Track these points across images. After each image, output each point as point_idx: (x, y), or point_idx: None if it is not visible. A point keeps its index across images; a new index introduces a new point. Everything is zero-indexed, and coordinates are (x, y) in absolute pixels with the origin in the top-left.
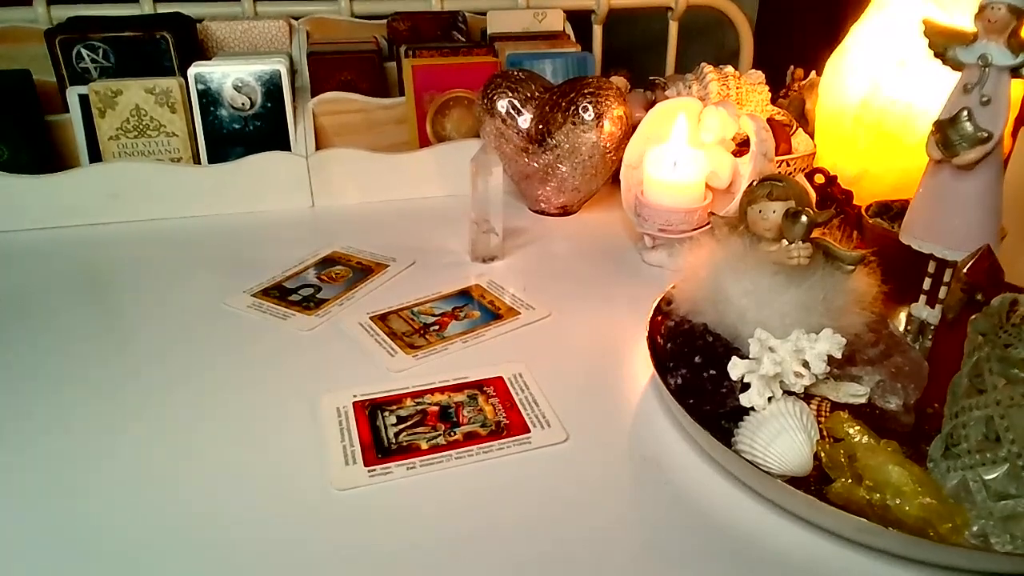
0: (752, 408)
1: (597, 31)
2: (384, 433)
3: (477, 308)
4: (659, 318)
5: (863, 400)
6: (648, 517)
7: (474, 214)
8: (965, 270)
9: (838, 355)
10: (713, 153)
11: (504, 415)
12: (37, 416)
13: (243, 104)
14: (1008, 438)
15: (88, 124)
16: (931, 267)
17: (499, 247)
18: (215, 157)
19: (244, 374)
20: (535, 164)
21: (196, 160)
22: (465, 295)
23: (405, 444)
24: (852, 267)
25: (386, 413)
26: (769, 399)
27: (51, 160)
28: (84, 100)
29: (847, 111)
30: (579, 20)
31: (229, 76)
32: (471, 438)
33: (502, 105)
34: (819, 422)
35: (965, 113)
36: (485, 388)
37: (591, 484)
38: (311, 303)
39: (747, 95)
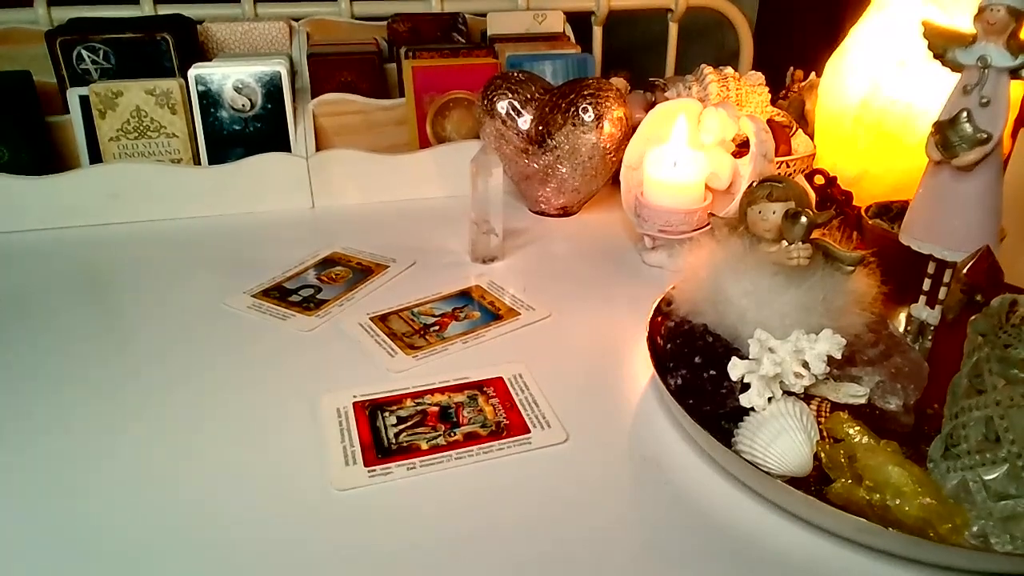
0: (752, 408)
1: (597, 32)
2: (384, 433)
3: (477, 309)
4: (659, 319)
5: (863, 401)
6: (648, 517)
7: (474, 215)
8: (965, 271)
9: (838, 355)
10: (713, 154)
11: (504, 415)
12: (37, 416)
13: (243, 105)
14: (1008, 438)
15: (88, 125)
16: (931, 268)
17: (499, 248)
18: (215, 158)
19: (244, 374)
20: (535, 165)
21: (196, 161)
22: (465, 296)
23: (405, 444)
24: (852, 268)
25: (386, 413)
26: (769, 399)
27: (51, 161)
28: (84, 101)
29: (847, 112)
30: (579, 21)
31: (229, 77)
32: (471, 438)
33: (502, 106)
34: (819, 422)
35: (965, 114)
36: (485, 388)
37: (591, 484)
38: (311, 304)
39: (747, 96)
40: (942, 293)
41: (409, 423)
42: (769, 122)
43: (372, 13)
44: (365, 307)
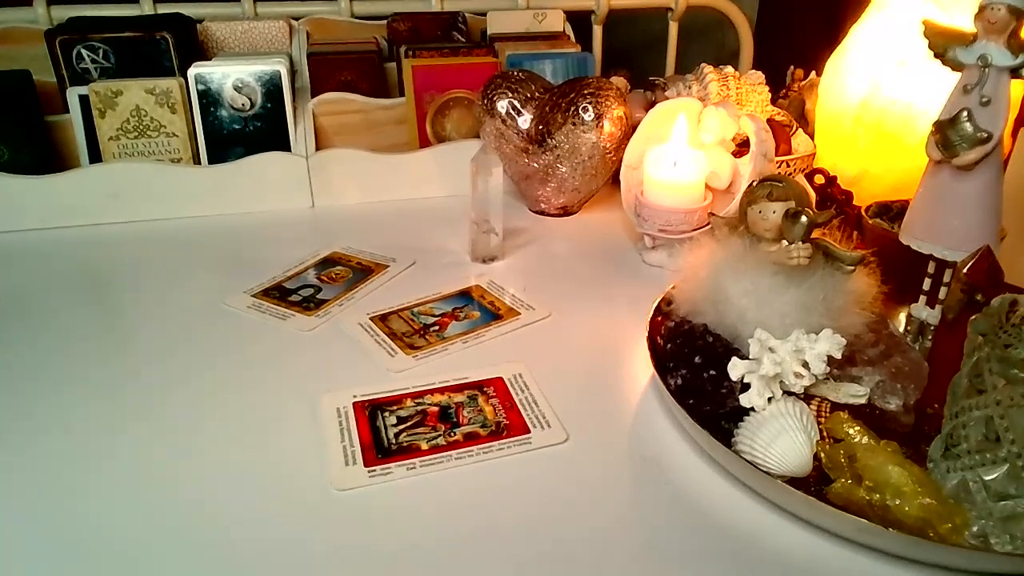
0: (752, 408)
1: (597, 31)
2: (384, 433)
3: (477, 308)
4: (659, 318)
5: (863, 400)
6: (648, 517)
7: (474, 214)
8: (965, 270)
9: (838, 355)
10: (713, 153)
11: (504, 415)
12: (37, 416)
13: (243, 104)
14: (1008, 438)
15: (88, 124)
16: (931, 267)
17: (499, 247)
18: (215, 157)
19: (244, 374)
20: (535, 164)
21: (196, 160)
22: (465, 295)
23: (405, 444)
24: (852, 267)
25: (386, 413)
26: (769, 399)
27: (51, 160)
28: (84, 100)
29: (847, 111)
30: (579, 20)
31: (229, 76)
32: (471, 438)
33: (502, 105)
34: (819, 422)
35: (965, 114)
36: (485, 388)
37: (591, 484)
38: (311, 303)
39: (747, 95)
40: (942, 293)
41: (409, 423)
42: (769, 121)
43: (372, 12)
44: (365, 307)
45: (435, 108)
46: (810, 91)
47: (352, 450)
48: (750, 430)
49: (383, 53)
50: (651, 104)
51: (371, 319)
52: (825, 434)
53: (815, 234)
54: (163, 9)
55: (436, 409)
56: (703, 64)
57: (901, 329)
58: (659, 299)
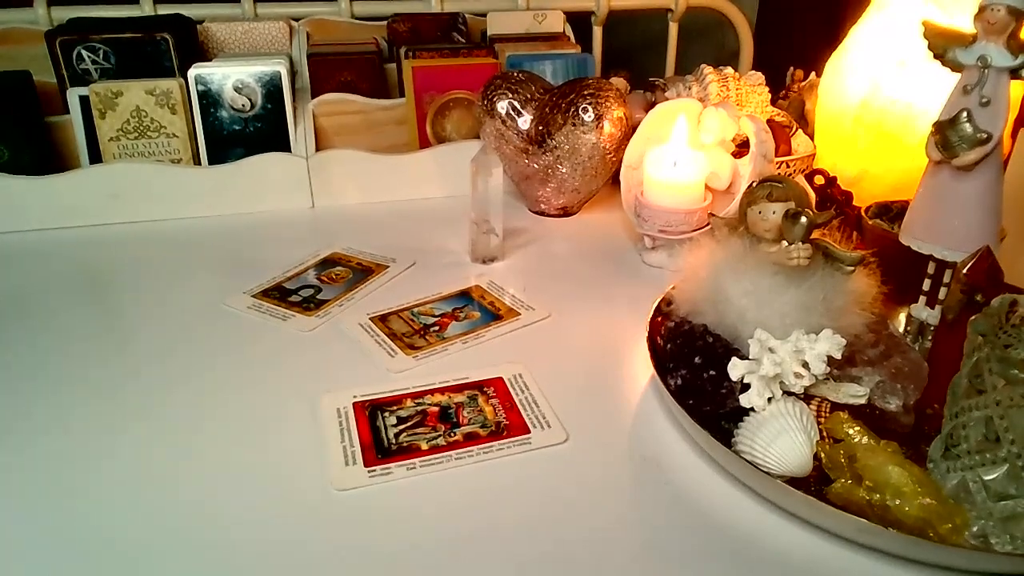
0: (752, 409)
1: (597, 32)
2: (384, 433)
3: (477, 309)
4: (659, 319)
5: (863, 401)
6: (648, 517)
7: (474, 215)
8: (965, 271)
9: (838, 356)
10: (713, 154)
11: (504, 416)
12: (37, 416)
13: (243, 105)
14: (1008, 438)
15: (88, 125)
16: (931, 268)
17: (499, 248)
18: (215, 158)
19: (244, 374)
20: (535, 165)
21: (196, 161)
22: (465, 296)
23: (405, 445)
24: (852, 268)
25: (386, 414)
26: (769, 400)
27: (51, 161)
28: (84, 101)
29: (847, 112)
30: (579, 21)
31: (229, 77)
32: (471, 439)
33: (502, 106)
34: (819, 423)
35: (965, 114)
36: (485, 389)
37: (591, 484)
38: (311, 304)
39: (747, 96)
40: (942, 293)
41: (409, 423)
42: (769, 122)
43: (372, 13)
44: (365, 307)
45: (435, 109)
46: (810, 92)
47: (352, 450)
48: (750, 430)
49: (383, 54)
50: (651, 105)
51: (371, 319)
52: (825, 434)
53: (815, 234)
54: (163, 10)
55: (436, 409)
56: (703, 65)
57: (901, 329)
58: (659, 299)
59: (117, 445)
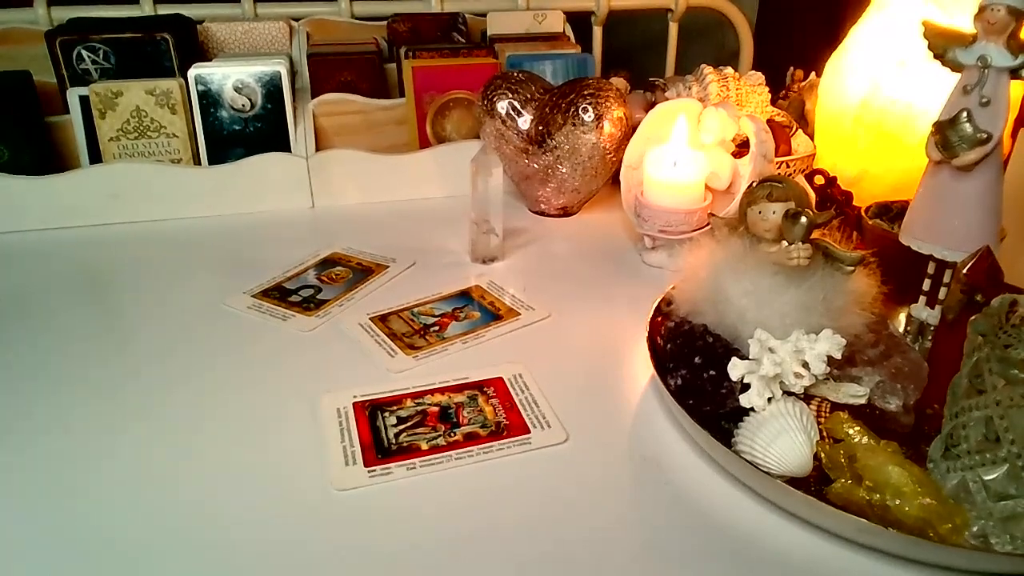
0: (752, 409)
1: (597, 32)
2: (384, 434)
3: (477, 309)
4: (659, 319)
5: (863, 401)
6: (648, 517)
7: (474, 215)
8: (965, 271)
9: (838, 356)
10: (713, 154)
11: (504, 416)
12: (37, 416)
13: (243, 105)
14: (1008, 438)
15: (88, 125)
16: (931, 268)
17: (499, 248)
18: (215, 158)
19: (244, 374)
20: (535, 165)
21: (196, 161)
22: (465, 296)
23: (405, 445)
24: (852, 268)
25: (386, 414)
26: (769, 400)
27: (51, 161)
28: (84, 101)
29: (847, 111)
30: (579, 21)
31: (229, 77)
32: (471, 439)
33: (502, 106)
34: (819, 423)
35: (965, 114)
36: (485, 389)
37: (591, 484)
38: (311, 304)
39: (747, 96)
40: (942, 293)
41: (409, 423)
42: (769, 122)
43: (372, 13)
44: (365, 307)
45: (435, 109)
46: (810, 91)
47: (352, 450)
48: (750, 430)
49: (383, 54)
50: (651, 105)
51: (371, 319)
52: (825, 434)
53: (815, 234)
54: (163, 10)
55: (436, 409)
56: (703, 65)
57: (901, 329)
58: (659, 299)
59: (117, 445)
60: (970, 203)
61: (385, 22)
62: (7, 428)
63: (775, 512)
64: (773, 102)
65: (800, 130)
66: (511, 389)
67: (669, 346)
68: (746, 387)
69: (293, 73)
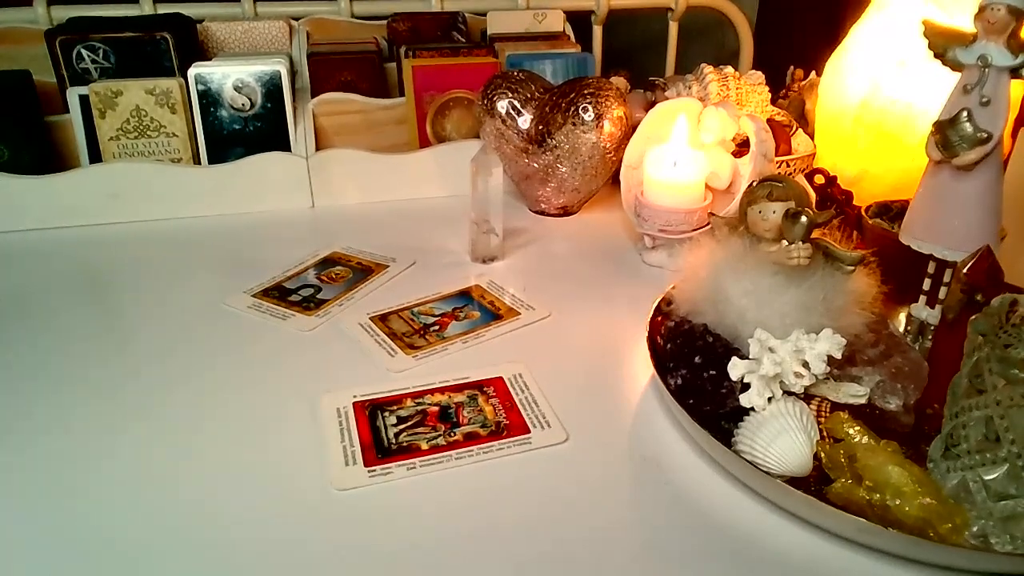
0: (752, 408)
1: (597, 32)
2: (384, 433)
3: (477, 308)
4: (659, 318)
5: (863, 400)
6: (648, 517)
7: (474, 214)
8: (965, 270)
9: (838, 355)
10: (713, 154)
11: (504, 415)
12: (37, 416)
13: (243, 105)
14: (1008, 438)
15: (88, 125)
16: (931, 267)
17: (499, 247)
18: (215, 158)
19: (244, 374)
20: (535, 164)
21: (196, 161)
22: (465, 295)
23: (405, 444)
24: (852, 267)
25: (386, 413)
26: (769, 399)
27: (51, 160)
28: (84, 101)
29: (847, 111)
30: (579, 21)
31: (229, 77)
32: (471, 438)
33: (502, 106)
34: (819, 422)
35: (965, 114)
36: (485, 388)
37: (591, 484)
38: (311, 303)
39: (747, 96)
40: (942, 293)
41: (409, 423)
42: (769, 122)
43: (372, 12)
44: (365, 307)
45: (435, 108)
46: (810, 91)
47: (352, 450)
48: (750, 430)
49: (383, 53)
50: (651, 104)
51: (371, 319)
52: (825, 434)
53: (815, 234)
54: (163, 9)
55: (436, 409)
56: (703, 64)
57: (901, 329)
58: (659, 299)
59: (117, 445)
60: (970, 203)
61: (385, 21)
62: (7, 428)
63: (775, 512)
64: (773, 101)
65: (800, 130)
66: (511, 389)
67: (669, 346)
68: (746, 387)
69: (293, 72)
